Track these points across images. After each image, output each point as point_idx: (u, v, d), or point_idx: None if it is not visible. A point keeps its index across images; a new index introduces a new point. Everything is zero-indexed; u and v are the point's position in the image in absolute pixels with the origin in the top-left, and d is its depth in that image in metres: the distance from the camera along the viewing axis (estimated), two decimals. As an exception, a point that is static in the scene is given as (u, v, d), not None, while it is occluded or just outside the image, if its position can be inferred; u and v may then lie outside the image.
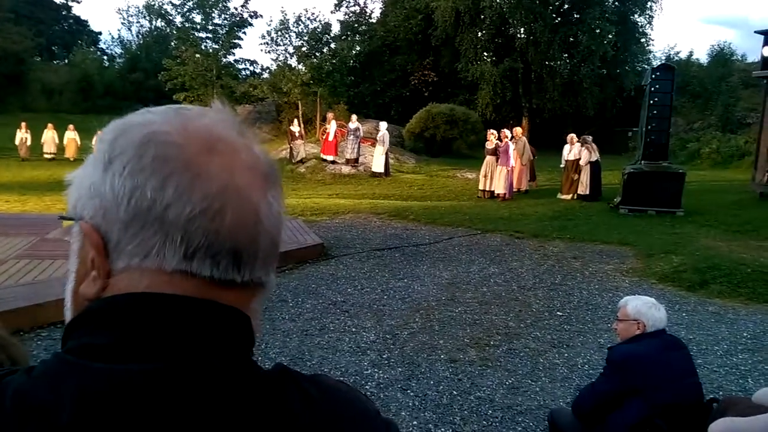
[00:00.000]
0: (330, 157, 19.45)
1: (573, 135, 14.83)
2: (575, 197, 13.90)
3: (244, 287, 0.55)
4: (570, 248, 8.72)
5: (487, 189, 14.43)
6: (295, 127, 20.77)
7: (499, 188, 14.00)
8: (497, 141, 14.54)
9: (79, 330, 0.52)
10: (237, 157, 0.54)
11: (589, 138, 14.34)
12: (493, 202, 13.53)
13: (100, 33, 58.09)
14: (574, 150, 14.36)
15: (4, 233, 7.65)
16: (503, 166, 13.94)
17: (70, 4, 55.12)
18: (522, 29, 31.22)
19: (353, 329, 5.29)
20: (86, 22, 57.23)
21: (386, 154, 18.50)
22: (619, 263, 7.86)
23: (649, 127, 11.89)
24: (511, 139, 14.51)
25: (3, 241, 7.22)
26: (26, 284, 5.57)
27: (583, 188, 13.87)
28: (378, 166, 18.47)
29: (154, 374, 0.48)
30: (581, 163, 13.93)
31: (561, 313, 5.90)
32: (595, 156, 13.93)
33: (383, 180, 18.00)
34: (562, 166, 15.23)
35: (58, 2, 53.77)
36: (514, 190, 14.44)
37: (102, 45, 56.67)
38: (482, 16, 30.84)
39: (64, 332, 0.54)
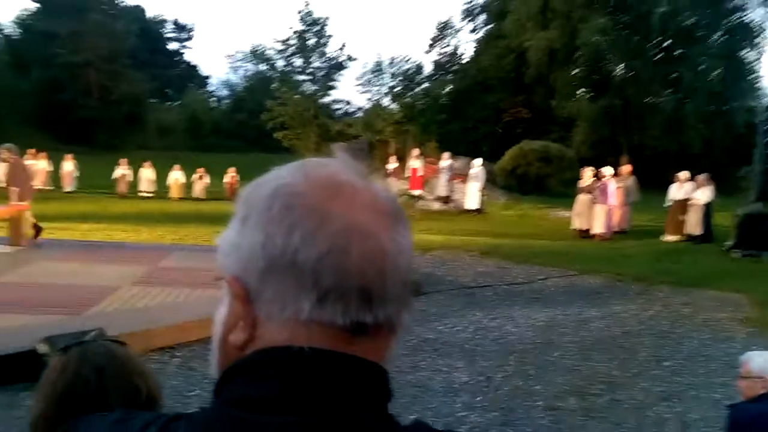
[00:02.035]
0: (417, 192, 19.58)
1: (684, 173, 14.02)
2: (684, 238, 13.05)
3: (378, 332, 0.55)
4: (678, 293, 8.16)
5: (582, 228, 13.89)
6: (391, 165, 21.14)
7: (597, 227, 13.44)
8: (594, 179, 14.04)
9: (234, 380, 0.55)
10: (358, 198, 0.55)
11: (705, 176, 13.49)
12: (590, 242, 12.99)
13: (209, 77, 62.57)
14: (684, 189, 13.55)
15: (120, 261, 8.25)
16: (602, 205, 13.39)
17: (182, 51, 59.94)
18: (620, 66, 30.32)
19: (444, 369, 5.19)
20: (197, 66, 61.91)
21: (481, 191, 18.39)
22: (734, 311, 7.25)
23: (766, 166, 11.06)
24: (614, 177, 13.96)
25: (118, 268, 7.78)
26: (139, 310, 5.94)
27: (692, 228, 13.00)
28: (472, 202, 18.36)
29: (313, 427, 0.50)
30: (700, 201, 13.05)
31: (670, 363, 5.49)
32: (711, 196, 13.09)
33: (474, 217, 17.83)
34: (666, 205, 14.40)
35: (171, 49, 58.63)
36: (614, 230, 13.81)
37: (210, 87, 60.96)
38: (577, 54, 30.30)
39: (219, 380, 0.57)
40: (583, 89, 31.27)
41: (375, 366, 0.55)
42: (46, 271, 7.48)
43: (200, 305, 6.16)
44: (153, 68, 49.36)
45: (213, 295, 5.97)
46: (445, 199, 19.27)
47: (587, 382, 4.98)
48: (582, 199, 14.03)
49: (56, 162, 22.89)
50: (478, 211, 18.26)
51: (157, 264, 8.27)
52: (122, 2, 49.63)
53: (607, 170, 14.03)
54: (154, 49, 52.35)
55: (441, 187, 19.33)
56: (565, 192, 23.88)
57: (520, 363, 5.38)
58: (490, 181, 20.69)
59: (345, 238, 0.52)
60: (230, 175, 23.49)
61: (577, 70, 31.07)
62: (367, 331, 0.54)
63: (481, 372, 5.13)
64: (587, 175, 14.41)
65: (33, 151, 22.39)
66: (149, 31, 52.59)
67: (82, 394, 1.06)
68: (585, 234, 13.76)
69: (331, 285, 0.52)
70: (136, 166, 23.06)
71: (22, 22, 45.66)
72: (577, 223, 14.17)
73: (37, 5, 44.66)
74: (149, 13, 55.72)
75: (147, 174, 22.92)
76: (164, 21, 58.41)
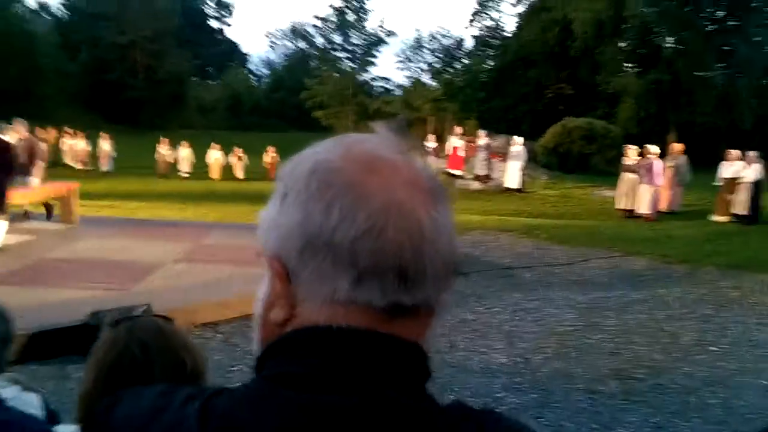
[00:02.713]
0: (457, 172, 19.39)
1: (735, 151, 13.47)
2: (731, 219, 12.60)
3: (416, 313, 0.55)
4: (725, 276, 7.90)
5: (627, 208, 13.55)
6: (429, 143, 20.97)
7: (643, 208, 13.08)
8: (639, 157, 13.63)
9: (275, 358, 0.56)
10: (397, 175, 0.54)
11: (755, 154, 12.94)
12: (635, 223, 12.66)
13: (249, 55, 63.03)
14: (734, 167, 13.03)
15: (165, 238, 8.47)
16: (648, 185, 13.01)
17: (222, 28, 60.46)
18: (670, 38, 29.15)
19: (483, 349, 5.17)
20: (237, 44, 62.41)
21: (521, 169, 18.12)
22: (786, 296, 6.98)
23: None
24: (661, 155, 13.52)
25: (163, 245, 7.99)
26: (183, 286, 6.11)
27: (739, 208, 12.52)
28: (512, 181, 18.11)
29: (351, 408, 0.50)
30: (749, 180, 12.54)
31: (715, 348, 5.33)
32: (761, 175, 12.55)
33: (513, 196, 17.60)
34: (716, 184, 13.88)
35: (213, 27, 59.20)
36: (661, 210, 13.42)
37: (251, 66, 61.47)
38: (625, 26, 29.25)
39: (259, 357, 0.58)
40: (630, 63, 30.24)
41: (413, 345, 0.55)
42: (95, 247, 7.75)
43: (241, 282, 6.28)
44: (195, 47, 50.04)
45: (254, 273, 6.08)
46: (483, 178, 19.06)
47: (629, 365, 4.89)
48: (627, 178, 13.66)
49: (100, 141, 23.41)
50: (518, 190, 18.01)
51: (200, 241, 8.46)
52: (165, -19, 50.28)
53: (653, 148, 13.58)
54: (196, 28, 52.99)
55: (478, 166, 19.11)
56: (609, 171, 23.29)
57: (560, 345, 5.32)
58: (531, 159, 20.35)
59: (383, 216, 0.52)
60: (270, 155, 23.52)
61: (624, 44, 30.05)
62: (406, 312, 0.54)
63: (519, 353, 5.09)
64: (632, 153, 13.99)
65: (71, 130, 23.07)
66: (191, 10, 53.21)
67: (129, 369, 1.10)
68: (630, 214, 13.41)
69: (369, 265, 0.52)
70: (177, 145, 23.14)
71: (70, 4, 46.80)
72: (622, 203, 13.82)
73: (84, -13, 45.64)
74: (191, -8, 56.33)
75: (185, 154, 22.83)
76: (206, -1, 59.00)
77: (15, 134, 8.13)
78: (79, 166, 21.75)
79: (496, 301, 6.61)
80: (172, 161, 22.38)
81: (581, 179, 21.64)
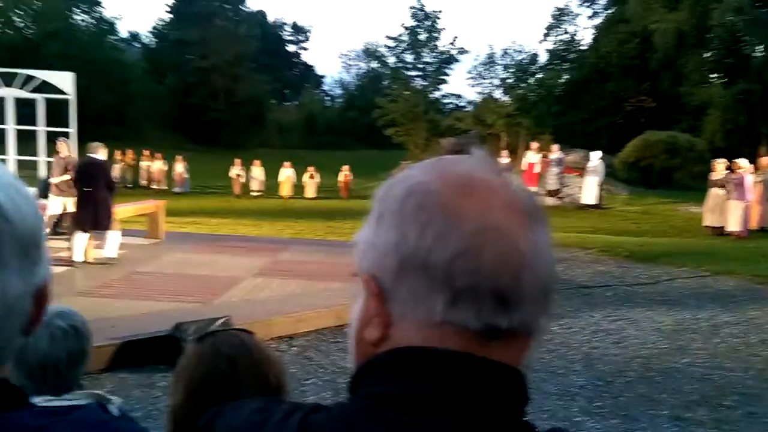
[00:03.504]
0: (532, 188, 18.95)
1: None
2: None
3: (513, 336, 0.54)
4: (829, 299, 7.28)
5: (715, 225, 12.78)
6: (503, 159, 20.70)
7: (732, 225, 12.30)
8: (728, 171, 12.86)
9: (371, 378, 0.56)
10: (494, 196, 0.54)
11: None
12: (724, 240, 11.92)
13: (324, 76, 64.78)
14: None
15: (244, 254, 8.78)
16: (738, 200, 12.24)
17: (299, 52, 62.52)
18: (759, 47, 27.49)
19: (561, 371, 5.00)
20: (313, 67, 64.33)
21: (599, 185, 17.53)
22: None
23: None
24: (755, 171, 12.72)
25: (242, 260, 8.29)
26: (260, 300, 6.30)
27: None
28: (590, 197, 17.54)
29: (445, 430, 0.50)
30: None
31: (819, 378, 4.91)
32: None
33: (591, 213, 17.02)
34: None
35: (290, 51, 61.33)
36: (752, 228, 12.57)
37: (325, 87, 63.15)
38: (709, 35, 27.87)
39: (354, 377, 0.58)
40: (716, 74, 28.72)
41: (511, 369, 0.54)
42: (179, 261, 8.14)
43: (316, 297, 6.41)
44: (273, 70, 51.98)
45: (327, 288, 6.21)
46: (555, 194, 18.56)
47: (719, 392, 4.58)
48: (714, 193, 12.91)
49: (189, 163, 24.40)
50: (596, 206, 17.40)
51: (276, 257, 8.71)
52: (246, 8, 52.70)
53: (743, 162, 12.78)
54: (274, 52, 55.07)
55: (551, 181, 18.63)
56: (695, 186, 22.12)
57: (644, 369, 5.06)
58: (610, 174, 19.67)
59: (479, 238, 0.51)
60: (344, 173, 23.66)
61: (709, 54, 28.61)
62: (502, 335, 0.53)
63: (599, 376, 4.89)
64: (720, 167, 13.23)
65: (147, 152, 24.24)
66: (270, 35, 55.41)
67: (217, 384, 1.12)
68: (718, 232, 12.64)
69: (464, 287, 0.51)
70: (251, 165, 23.56)
71: (159, 32, 49.92)
72: (709, 220, 13.06)
73: (171, 15, 48.60)
74: (270, 17, 58.74)
75: (257, 173, 23.13)
76: (284, 24, 61.33)
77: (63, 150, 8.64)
78: (154, 186, 22.77)
79: (574, 321, 6.38)
80: (244, 181, 22.84)
81: (664, 195, 20.66)
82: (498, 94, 30.89)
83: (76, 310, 1.48)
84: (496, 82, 31.04)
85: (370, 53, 46.52)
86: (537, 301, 0.54)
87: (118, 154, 18.89)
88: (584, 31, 46.77)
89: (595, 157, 17.63)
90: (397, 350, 0.54)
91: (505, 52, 30.48)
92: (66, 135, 11.50)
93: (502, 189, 0.55)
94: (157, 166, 23.33)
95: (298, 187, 23.15)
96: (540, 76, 30.07)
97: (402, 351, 0.54)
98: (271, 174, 23.35)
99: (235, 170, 22.74)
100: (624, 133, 28.11)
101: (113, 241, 7.79)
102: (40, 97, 11.87)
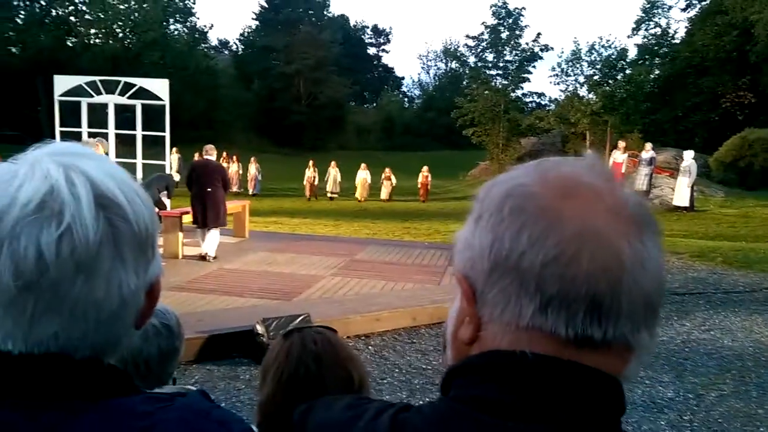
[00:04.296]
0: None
1: None
2: None
3: (607, 348, 0.51)
4: None
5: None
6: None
7: None
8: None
9: (462, 379, 0.56)
10: (598, 201, 0.52)
11: None
12: (836, 247, 10.92)
13: (403, 78, 65.21)
14: None
15: (322, 253, 8.98)
16: None
17: (380, 54, 63.18)
18: None
19: (647, 381, 4.76)
20: (392, 69, 64.85)
21: (691, 186, 16.56)
22: None
23: None
24: None
25: (321, 259, 8.48)
26: (338, 299, 6.42)
27: None
28: (681, 199, 16.60)
29: None
30: None
31: None
32: None
33: (683, 215, 16.09)
34: None
35: (370, 54, 62.11)
36: None
37: (404, 88, 63.50)
38: (822, 23, 25.64)
39: (445, 377, 0.58)
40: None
41: (607, 376, 0.52)
42: (263, 260, 8.44)
43: (392, 297, 6.46)
44: (353, 73, 52.88)
45: (403, 288, 6.22)
46: (645, 195, 17.64)
47: (829, 412, 4.20)
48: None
49: (266, 164, 25.04)
50: (688, 208, 16.43)
51: (354, 256, 8.84)
52: (329, 13, 53.93)
53: None
54: (354, 55, 55.99)
55: (640, 181, 17.74)
56: (802, 187, 20.44)
57: (739, 382, 4.72)
58: (704, 175, 18.53)
59: (576, 243, 0.50)
60: (423, 175, 23.27)
61: (820, 43, 26.30)
62: (594, 346, 0.51)
63: (690, 389, 4.61)
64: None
65: (225, 155, 24.95)
66: (351, 39, 56.45)
67: (304, 380, 1.16)
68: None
69: (555, 292, 0.50)
70: (328, 167, 23.47)
71: (246, 39, 52.00)
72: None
73: (257, 23, 50.53)
74: (352, 21, 59.80)
75: (332, 175, 22.96)
76: (365, 27, 62.23)
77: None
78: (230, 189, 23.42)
79: (664, 329, 6.06)
80: (317, 183, 22.87)
81: (764, 197, 19.19)
82: (583, 91, 29.84)
83: (170, 308, 1.53)
84: (581, 79, 30.00)
85: (449, 53, 46.35)
86: (638, 314, 0.51)
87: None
88: (677, 24, 44.37)
89: (688, 156, 16.65)
90: (487, 353, 0.54)
91: (591, 48, 29.39)
92: (161, 139, 12.24)
93: (608, 194, 0.53)
94: (233, 168, 24.11)
95: (375, 190, 23.14)
96: (629, 72, 28.73)
97: (492, 354, 0.54)
98: (349, 176, 23.48)
99: (308, 172, 22.78)
100: (720, 131, 26.38)
101: (215, 239, 8.25)
102: (138, 103, 12.68)
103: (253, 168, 23.48)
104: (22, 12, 39.14)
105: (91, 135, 12.87)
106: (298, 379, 1.16)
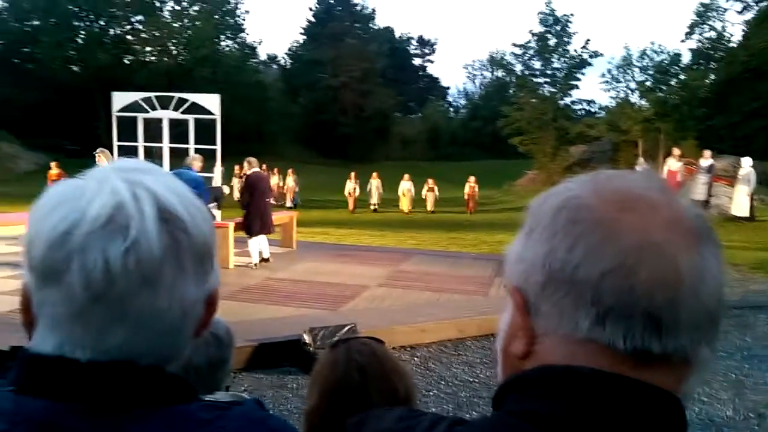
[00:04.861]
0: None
1: None
2: None
3: (666, 363, 0.51)
4: None
5: None
6: (639, 167, 19.45)
7: None
8: None
9: (516, 393, 0.55)
10: (655, 214, 0.51)
11: None
12: None
13: (448, 87, 65.07)
14: None
15: (368, 263, 9.02)
16: None
17: (425, 65, 63.32)
18: None
19: (704, 398, 4.57)
20: (438, 79, 64.80)
21: (751, 195, 15.88)
22: None
23: None
24: None
25: (367, 269, 8.52)
26: (383, 309, 6.43)
27: None
28: (740, 209, 15.93)
29: None
30: None
31: None
32: None
33: (742, 225, 15.42)
34: None
35: (415, 64, 62.30)
36: None
37: (449, 98, 63.35)
38: None
39: (498, 391, 0.58)
40: None
41: (667, 394, 0.50)
42: (309, 270, 8.55)
43: (438, 308, 6.43)
44: (399, 84, 53.14)
45: (449, 299, 6.17)
46: (704, 204, 16.99)
47: None
48: None
49: (312, 176, 24.98)
50: (748, 218, 15.74)
51: (400, 267, 8.85)
52: (375, 26, 54.46)
53: None
54: (400, 66, 56.29)
55: (698, 191, 17.10)
56: None
57: (805, 402, 4.48)
58: (764, 183, 17.71)
59: (634, 256, 0.49)
60: (470, 185, 22.62)
61: None
62: (653, 360, 0.50)
63: (750, 407, 4.41)
64: None
65: (263, 167, 24.83)
66: (397, 50, 56.78)
67: (349, 390, 1.18)
68: None
69: (613, 305, 0.49)
70: (383, 178, 23.26)
71: (294, 53, 53.02)
72: None
73: (305, 37, 51.49)
74: (398, 33, 60.20)
75: (374, 186, 22.49)
76: (410, 38, 62.49)
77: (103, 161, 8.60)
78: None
79: (722, 344, 5.81)
80: (359, 194, 22.46)
81: (834, 206, 18.19)
82: (634, 98, 29.12)
83: (221, 318, 1.53)
84: (633, 85, 29.30)
85: (495, 62, 46.04)
86: (698, 328, 0.50)
87: (236, 169, 19.89)
88: (733, 27, 42.77)
89: (747, 163, 15.97)
90: (542, 368, 0.53)
91: (643, 54, 28.68)
92: (212, 152, 12.59)
93: (666, 206, 0.52)
94: (274, 180, 24.08)
95: (419, 201, 22.74)
96: (682, 77, 27.86)
97: (547, 369, 0.53)
98: (394, 187, 23.04)
99: (350, 184, 22.42)
100: (782, 136, 25.21)
101: (266, 243, 8.78)
102: (190, 118, 13.10)
103: (291, 180, 23.33)
104: (83, 32, 41.07)
105: (147, 149, 13.38)
106: (343, 390, 1.17)
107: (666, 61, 28.42)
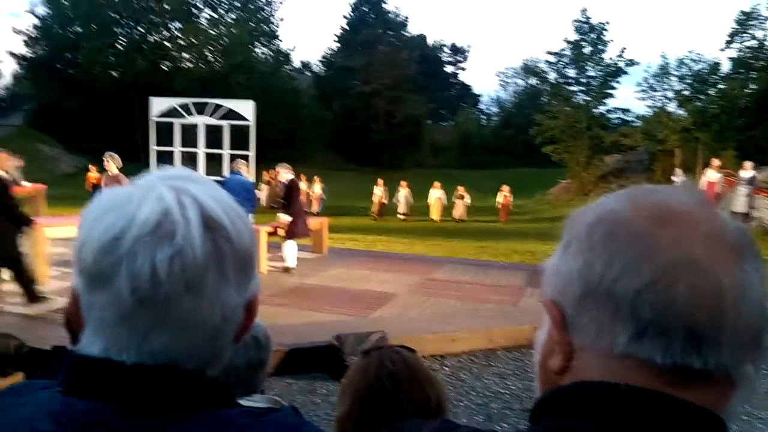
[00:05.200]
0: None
1: None
2: None
3: (707, 380, 0.49)
4: None
5: None
6: (677, 178, 19.03)
7: None
8: None
9: (554, 410, 0.55)
10: (695, 228, 0.50)
11: None
12: None
13: (480, 95, 64.78)
14: None
15: (398, 271, 9.01)
16: None
17: (457, 72, 63.20)
18: None
19: (744, 417, 4.42)
20: (470, 86, 64.59)
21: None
22: None
23: None
24: None
25: (396, 277, 8.51)
26: (413, 317, 6.41)
27: None
28: (782, 222, 15.43)
29: None
30: None
31: None
32: None
33: (786, 239, 14.93)
34: None
35: (447, 71, 62.22)
36: None
37: (481, 105, 63.07)
38: None
39: (536, 406, 0.57)
40: None
41: (709, 413, 0.49)
42: (340, 276, 8.58)
43: (468, 317, 6.38)
44: (431, 91, 53.13)
45: (480, 309, 6.10)
46: (744, 217, 16.51)
47: None
48: None
49: (342, 182, 24.95)
50: (791, 231, 15.23)
51: (429, 275, 8.81)
52: (408, 33, 54.63)
53: None
54: (432, 74, 56.27)
55: (738, 203, 16.63)
56: None
57: None
58: (810, 195, 17.10)
59: (673, 271, 0.49)
60: (503, 194, 22.20)
61: None
62: (694, 377, 0.49)
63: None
64: None
65: (303, 176, 24.59)
66: (429, 57, 56.79)
67: (380, 399, 1.18)
68: None
69: (652, 320, 0.49)
70: (413, 185, 22.97)
71: (327, 60, 53.54)
72: None
73: (338, 44, 51.95)
74: (430, 40, 60.26)
75: (403, 194, 22.01)
76: (443, 46, 62.51)
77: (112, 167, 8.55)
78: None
79: (764, 361, 5.62)
80: (386, 201, 22.16)
81: None
82: (672, 107, 28.52)
83: (260, 322, 1.56)
84: (670, 94, 28.67)
85: (529, 70, 45.70)
86: (740, 345, 0.49)
87: (265, 175, 19.97)
88: (776, 34, 41.69)
89: (791, 175, 15.47)
90: (580, 384, 0.53)
91: (681, 62, 28.09)
92: (246, 158, 12.76)
93: (706, 221, 0.52)
94: (303, 187, 23.88)
95: (450, 209, 22.31)
96: (722, 86, 27.19)
97: (583, 385, 0.52)
98: (425, 195, 22.83)
99: (377, 191, 22.04)
100: (828, 147, 24.37)
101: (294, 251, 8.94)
102: (226, 124, 13.32)
103: (317, 187, 23.19)
104: (123, 38, 42.22)
105: (184, 154, 13.65)
106: (374, 398, 1.17)
107: (705, 70, 27.79)
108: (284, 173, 8.77)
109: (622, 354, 0.50)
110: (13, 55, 41.54)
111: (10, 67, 50.38)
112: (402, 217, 21.80)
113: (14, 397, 0.62)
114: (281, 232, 8.64)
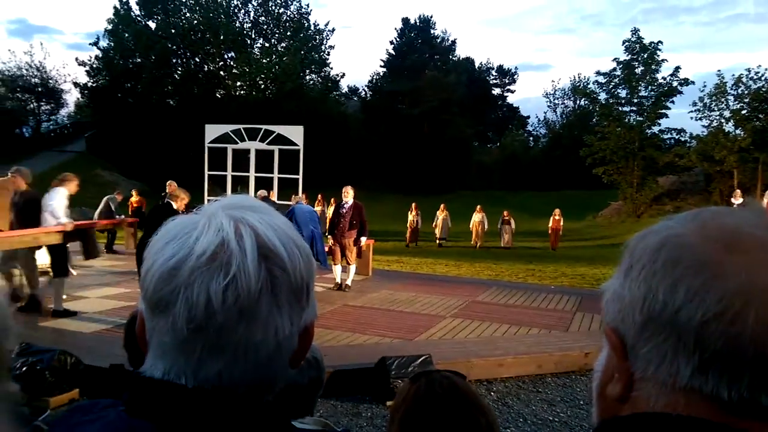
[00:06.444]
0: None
1: None
2: None
3: None
4: None
5: None
6: (736, 200, 18.26)
7: None
8: None
9: None
10: (764, 254, 0.48)
11: None
12: None
13: (528, 117, 64.13)
14: None
15: (443, 293, 8.95)
16: None
17: (504, 94, 62.92)
18: None
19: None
20: (517, 108, 64.10)
21: None
22: None
23: None
24: None
25: (442, 300, 8.45)
26: (459, 341, 6.34)
27: None
28: None
29: None
30: None
31: None
32: None
33: None
34: None
35: (495, 94, 62.01)
36: None
37: (529, 128, 62.42)
38: None
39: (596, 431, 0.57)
40: None
41: None
42: (385, 298, 8.58)
43: (515, 342, 6.26)
44: (478, 114, 53.00)
45: (528, 333, 5.98)
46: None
47: None
48: None
49: (386, 206, 24.99)
50: None
51: (475, 298, 8.71)
52: (455, 57, 54.86)
53: None
54: (479, 96, 56.21)
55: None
56: None
57: None
58: None
59: (742, 299, 0.46)
60: (554, 218, 20.77)
61: None
62: (762, 415, 0.47)
63: None
64: None
65: (319, 197, 22.92)
66: (476, 80, 56.81)
67: (427, 423, 1.18)
68: None
69: (718, 352, 0.47)
70: (455, 208, 22.33)
71: (374, 85, 54.25)
72: None
73: (385, 69, 52.62)
74: (477, 63, 60.30)
75: (441, 219, 20.92)
76: (490, 69, 62.38)
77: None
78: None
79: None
80: (419, 227, 21.13)
81: None
82: (729, 127, 27.55)
83: (314, 343, 1.63)
84: (727, 113, 27.73)
85: (578, 90, 45.09)
86: None
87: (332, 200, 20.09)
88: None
89: None
90: (641, 414, 0.51)
91: (738, 81, 27.17)
92: (295, 182, 13.02)
93: None
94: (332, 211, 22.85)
95: (493, 233, 20.92)
96: (783, 105, 26.16)
97: (645, 416, 0.51)
98: (468, 217, 21.52)
99: (410, 216, 20.87)
100: None
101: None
102: (276, 149, 13.66)
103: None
104: (180, 68, 44.03)
105: (234, 179, 14.04)
106: (424, 423, 1.17)
107: (764, 89, 26.80)
108: (345, 196, 8.92)
109: (686, 387, 0.49)
110: (76, 84, 43.89)
111: (74, 96, 53.13)
112: (439, 243, 20.68)
113: (81, 415, 0.64)
114: (350, 253, 8.80)
